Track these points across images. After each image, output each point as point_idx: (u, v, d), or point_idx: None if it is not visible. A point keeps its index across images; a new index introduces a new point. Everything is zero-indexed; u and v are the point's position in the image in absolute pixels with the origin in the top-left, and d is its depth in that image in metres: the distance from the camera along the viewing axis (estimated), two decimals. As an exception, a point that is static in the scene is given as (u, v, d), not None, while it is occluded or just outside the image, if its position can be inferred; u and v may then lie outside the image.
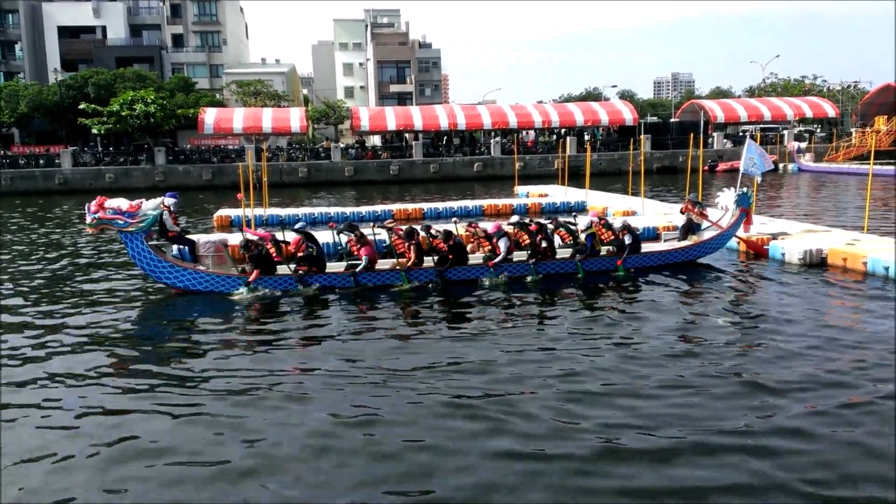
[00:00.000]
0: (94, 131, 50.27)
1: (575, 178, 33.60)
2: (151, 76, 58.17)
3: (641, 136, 49.62)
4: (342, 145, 53.14)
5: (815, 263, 14.62)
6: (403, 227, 14.60)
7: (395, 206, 27.03)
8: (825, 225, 19.18)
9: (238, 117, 50.80)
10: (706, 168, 42.86)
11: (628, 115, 55.59)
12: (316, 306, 12.61)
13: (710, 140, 53.47)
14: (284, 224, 14.50)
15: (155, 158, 47.63)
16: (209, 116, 49.98)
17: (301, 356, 9.81)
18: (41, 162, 47.42)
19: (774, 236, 16.33)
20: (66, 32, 67.29)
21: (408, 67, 78.07)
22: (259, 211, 24.07)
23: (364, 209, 26.69)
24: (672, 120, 65.92)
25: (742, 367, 8.71)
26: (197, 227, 25.34)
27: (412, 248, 13.88)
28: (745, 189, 15.78)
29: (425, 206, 27.18)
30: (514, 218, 15.30)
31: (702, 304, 12.37)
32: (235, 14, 79.86)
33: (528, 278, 14.08)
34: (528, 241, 14.47)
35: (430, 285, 13.72)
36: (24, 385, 8.79)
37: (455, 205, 27.33)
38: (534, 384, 8.31)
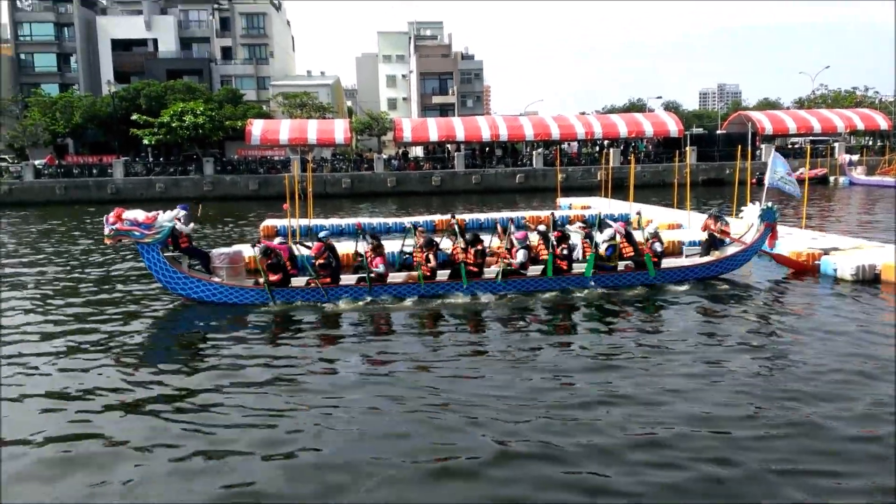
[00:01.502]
0: (146, 142, 51.70)
1: (618, 190, 33.28)
2: (201, 88, 59.63)
3: (687, 148, 48.91)
4: (385, 156, 53.63)
5: (868, 280, 14.20)
6: (423, 236, 14.64)
7: (437, 217, 27.13)
8: (878, 240, 18.61)
9: (284, 129, 51.70)
10: (754, 181, 42.00)
11: (673, 126, 54.89)
12: (329, 319, 12.65)
13: (757, 152, 52.39)
14: (312, 232, 14.62)
15: (203, 169, 48.74)
16: (256, 128, 50.97)
17: (315, 371, 9.76)
18: (94, 172, 48.93)
19: (826, 251, 15.91)
20: (119, 45, 69.42)
21: (450, 79, 78.49)
22: (304, 221, 24.43)
23: (406, 220, 26.87)
24: (718, 132, 64.80)
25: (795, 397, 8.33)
26: (244, 236, 25.82)
27: (432, 257, 13.91)
28: (770, 203, 15.37)
29: (467, 216, 27.23)
30: (542, 227, 15.11)
31: (750, 322, 12.04)
32: (282, 27, 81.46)
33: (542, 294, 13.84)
34: (545, 255, 14.21)
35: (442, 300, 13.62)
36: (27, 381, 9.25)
37: (497, 216, 27.30)
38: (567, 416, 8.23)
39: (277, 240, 14.75)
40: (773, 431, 7.22)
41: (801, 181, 18.61)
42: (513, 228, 15.02)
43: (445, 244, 15.55)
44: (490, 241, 15.74)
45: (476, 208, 34.56)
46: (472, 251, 14.05)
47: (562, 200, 33.71)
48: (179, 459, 6.94)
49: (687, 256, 16.16)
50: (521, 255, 14.09)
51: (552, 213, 19.68)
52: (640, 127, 54.76)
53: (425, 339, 11.28)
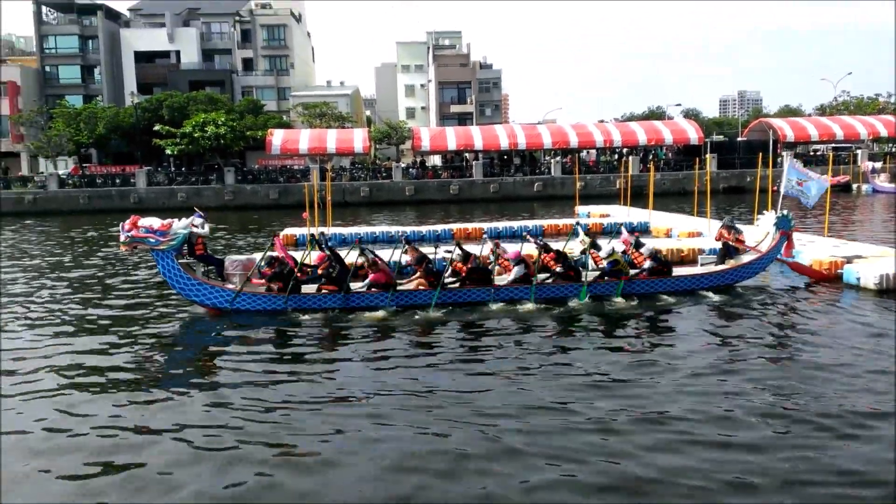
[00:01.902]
0: (168, 152, 52.41)
1: (637, 198, 33.14)
2: (222, 99, 60.35)
3: (707, 156, 48.60)
4: (403, 165, 53.85)
5: (892, 289, 14.02)
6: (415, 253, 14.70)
7: (456, 226, 27.18)
8: (903, 248, 18.34)
9: (304, 138, 52.14)
10: (775, 188, 41.56)
11: (693, 133, 54.57)
12: (336, 327, 12.75)
13: (779, 159, 51.78)
14: (317, 241, 14.70)
15: (225, 178, 49.27)
16: (276, 138, 51.46)
17: (325, 380, 9.81)
18: (117, 181, 49.69)
19: (848, 259, 15.74)
20: (142, 57, 70.45)
21: (468, 88, 78.71)
22: (323, 229, 24.61)
23: (424, 228, 26.95)
24: (739, 139, 64.34)
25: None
26: (265, 245, 26.03)
27: (425, 273, 14.01)
28: (785, 211, 15.22)
29: (485, 225, 27.26)
30: (540, 241, 15.18)
31: (769, 333, 11.88)
32: (303, 38, 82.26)
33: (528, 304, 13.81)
34: (554, 265, 14.31)
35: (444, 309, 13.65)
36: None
37: (515, 224, 27.31)
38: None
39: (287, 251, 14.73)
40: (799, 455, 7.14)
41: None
42: (502, 248, 15.21)
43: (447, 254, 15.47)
44: (481, 251, 15.82)
45: (494, 217, 34.55)
46: (466, 268, 14.14)
47: (580, 208, 33.62)
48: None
49: (702, 265, 16.03)
50: (516, 271, 14.15)
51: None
52: (659, 134, 54.53)
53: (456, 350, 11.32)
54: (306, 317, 13.29)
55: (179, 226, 13.52)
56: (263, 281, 13.81)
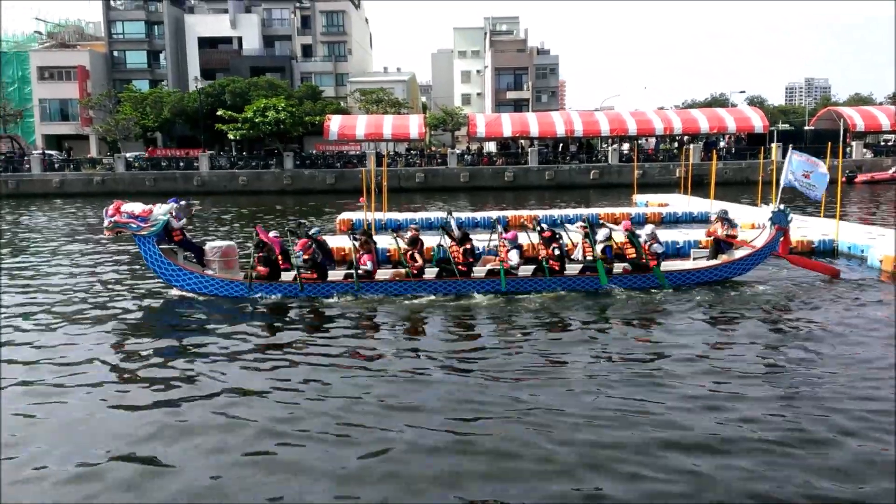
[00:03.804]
0: (230, 136, 53.64)
1: (698, 187, 32.37)
2: (282, 85, 61.33)
3: (773, 145, 47.10)
4: (458, 151, 53.84)
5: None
6: (407, 235, 14.68)
7: (510, 213, 27.09)
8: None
9: (361, 124, 52.61)
10: (844, 179, 40.16)
11: (758, 121, 52.92)
12: (316, 314, 12.75)
13: (848, 149, 49.95)
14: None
15: (284, 163, 50.17)
16: (334, 123, 52.06)
17: (299, 363, 9.87)
18: (181, 164, 51.12)
19: (923, 256, 15.07)
20: (205, 43, 72.07)
21: (525, 74, 77.98)
22: (379, 215, 24.86)
23: (479, 215, 26.95)
24: (806, 128, 62.11)
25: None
26: (324, 229, 26.43)
27: (417, 255, 13.96)
28: (782, 206, 14.58)
29: (540, 212, 27.08)
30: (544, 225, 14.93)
31: (764, 330, 11.47)
32: (361, 24, 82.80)
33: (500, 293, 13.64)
34: (543, 255, 14.00)
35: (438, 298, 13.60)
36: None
37: (571, 212, 27.05)
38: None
39: (272, 233, 14.72)
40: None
41: (894, 180, 17.61)
42: (500, 229, 14.99)
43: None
44: (489, 240, 15.73)
45: (549, 204, 34.28)
46: (461, 250, 14.01)
47: (638, 197, 33.08)
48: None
49: (694, 259, 15.49)
50: (513, 256, 13.96)
51: (535, 215, 18.94)
52: (722, 122, 53.06)
53: (421, 336, 11.41)
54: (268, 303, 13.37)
55: (159, 212, 13.70)
56: (259, 268, 13.83)
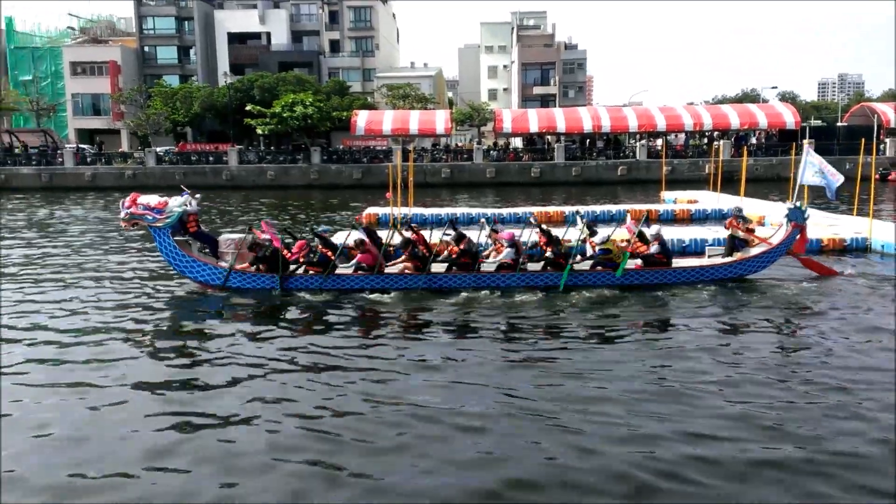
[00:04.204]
0: (259, 131, 54.08)
1: (728, 183, 31.93)
2: (310, 80, 61.64)
3: (805, 141, 46.27)
4: (484, 147, 53.71)
5: None
6: (405, 234, 14.84)
7: (537, 209, 26.97)
8: None
9: (387, 119, 52.68)
10: (877, 176, 39.31)
11: (789, 117, 51.99)
12: (322, 307, 12.94)
13: (882, 146, 48.89)
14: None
15: (311, 158, 50.47)
16: (361, 118, 52.18)
17: (304, 358, 10.00)
18: (210, 159, 51.65)
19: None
20: (234, 39, 72.70)
21: (552, 69, 77.54)
22: (405, 210, 24.92)
23: (505, 211, 26.87)
24: (839, 124, 60.89)
25: None
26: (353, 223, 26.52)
27: (411, 256, 14.06)
28: (798, 203, 14.31)
29: (567, 209, 26.93)
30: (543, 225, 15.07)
31: (774, 331, 11.32)
32: (388, 20, 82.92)
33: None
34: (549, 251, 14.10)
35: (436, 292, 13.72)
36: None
37: (598, 209, 26.86)
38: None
39: (273, 232, 14.92)
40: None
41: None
42: (487, 228, 15.21)
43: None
44: (478, 238, 15.76)
45: (575, 200, 34.07)
46: (458, 249, 14.11)
47: (666, 194, 32.73)
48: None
49: (709, 256, 15.30)
50: (506, 254, 14.02)
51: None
52: (753, 118, 52.19)
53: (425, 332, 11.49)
54: (298, 297, 13.61)
55: (175, 204, 13.87)
56: (248, 265, 14.05)
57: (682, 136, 56.83)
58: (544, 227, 15.33)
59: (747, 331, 11.13)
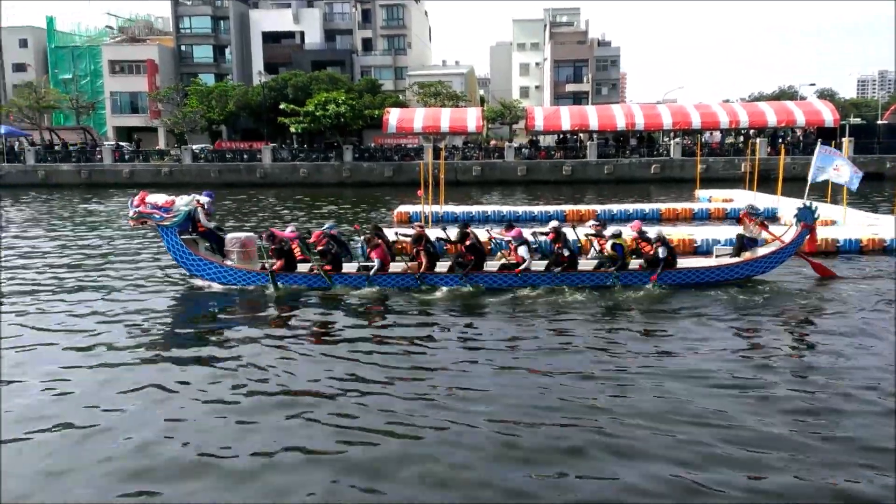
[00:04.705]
0: (292, 130, 54.58)
1: (764, 182, 31.35)
2: (343, 78, 62.02)
3: (844, 139, 45.25)
4: (515, 145, 53.50)
5: None
6: (411, 232, 14.87)
7: (568, 207, 26.80)
8: None
9: (419, 117, 52.73)
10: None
11: (828, 115, 50.84)
12: (330, 305, 12.98)
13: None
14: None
15: (343, 156, 50.79)
16: (393, 117, 52.32)
17: (314, 355, 10.13)
18: (245, 157, 52.29)
19: None
20: (269, 38, 73.47)
21: (585, 66, 76.96)
22: (436, 208, 24.94)
23: (536, 209, 26.75)
24: (879, 122, 59.45)
25: None
26: (384, 220, 26.69)
27: (421, 252, 14.06)
28: (809, 202, 13.94)
29: (599, 207, 26.73)
30: (553, 223, 14.90)
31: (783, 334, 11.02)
32: (420, 18, 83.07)
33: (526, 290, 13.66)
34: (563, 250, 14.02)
35: (443, 291, 13.73)
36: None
37: (630, 207, 26.60)
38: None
39: (289, 229, 15.14)
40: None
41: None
42: (496, 226, 15.38)
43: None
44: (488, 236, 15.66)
45: (607, 199, 33.77)
46: (462, 246, 14.10)
47: (701, 192, 32.26)
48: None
49: (717, 257, 14.98)
50: (523, 251, 13.91)
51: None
52: (790, 116, 51.14)
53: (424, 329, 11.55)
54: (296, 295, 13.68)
55: (181, 203, 14.07)
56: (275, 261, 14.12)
57: (717, 134, 55.95)
58: (560, 228, 15.30)
59: (753, 334, 10.97)
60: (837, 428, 7.24)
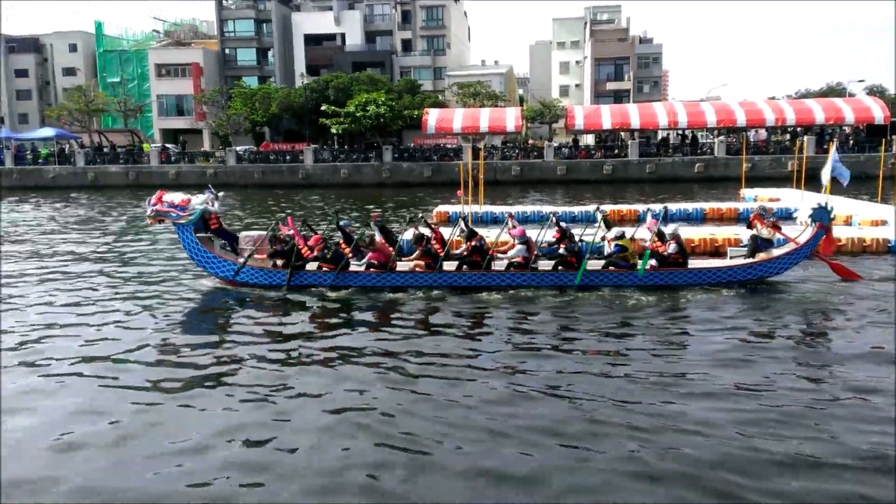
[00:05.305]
0: (333, 131, 55.20)
1: (812, 181, 30.61)
2: (383, 79, 62.46)
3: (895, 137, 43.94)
4: (555, 144, 53.22)
5: None
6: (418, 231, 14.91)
7: (609, 207, 26.56)
8: None
9: (458, 117, 52.76)
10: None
11: (878, 112, 49.32)
12: (338, 304, 13.14)
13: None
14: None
15: (383, 156, 51.19)
16: (432, 117, 52.45)
17: (322, 352, 10.27)
18: (287, 158, 53.07)
19: None
20: (311, 40, 74.42)
21: (626, 64, 76.04)
22: (475, 208, 25.00)
23: (576, 209, 26.58)
24: (933, 118, 57.45)
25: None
26: (423, 221, 26.79)
27: (423, 253, 14.06)
28: (823, 203, 13.59)
29: (640, 207, 26.43)
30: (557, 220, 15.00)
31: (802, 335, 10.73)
32: (460, 18, 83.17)
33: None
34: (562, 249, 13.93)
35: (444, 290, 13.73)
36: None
37: (673, 207, 26.24)
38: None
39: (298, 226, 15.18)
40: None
41: None
42: (509, 224, 15.14)
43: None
44: (499, 236, 15.49)
45: (648, 198, 33.39)
46: (469, 245, 14.09)
47: (746, 192, 31.65)
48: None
49: (731, 258, 14.63)
50: (516, 251, 13.90)
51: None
52: (839, 113, 49.77)
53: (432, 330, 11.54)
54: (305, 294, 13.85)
55: (197, 201, 14.37)
56: (264, 257, 14.38)
57: (763, 132, 54.79)
58: (562, 223, 15.31)
59: (764, 338, 10.72)
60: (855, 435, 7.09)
